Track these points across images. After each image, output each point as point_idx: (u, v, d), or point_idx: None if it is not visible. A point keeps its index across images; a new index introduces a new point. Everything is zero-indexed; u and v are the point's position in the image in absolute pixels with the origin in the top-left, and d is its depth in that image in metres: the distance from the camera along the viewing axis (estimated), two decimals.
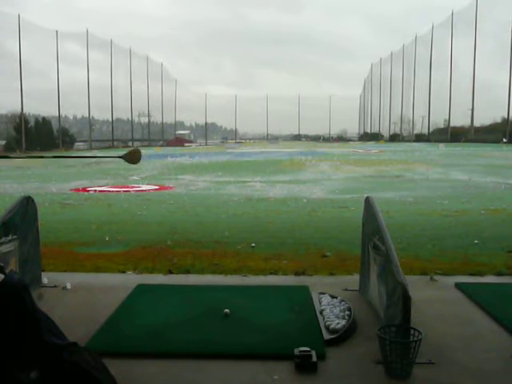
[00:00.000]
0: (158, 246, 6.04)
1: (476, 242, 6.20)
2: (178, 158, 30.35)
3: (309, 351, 2.88)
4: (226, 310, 3.63)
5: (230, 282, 4.52)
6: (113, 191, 12.86)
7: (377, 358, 2.88)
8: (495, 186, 13.19)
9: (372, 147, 46.26)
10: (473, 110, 57.47)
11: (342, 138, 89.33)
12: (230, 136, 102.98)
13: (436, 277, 4.66)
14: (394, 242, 3.34)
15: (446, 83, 60.88)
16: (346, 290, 4.22)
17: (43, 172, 19.85)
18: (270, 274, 4.81)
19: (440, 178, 15.64)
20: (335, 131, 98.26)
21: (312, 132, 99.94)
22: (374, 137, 77.35)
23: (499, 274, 4.82)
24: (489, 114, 56.32)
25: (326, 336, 3.24)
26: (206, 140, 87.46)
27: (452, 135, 59.51)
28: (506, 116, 52.34)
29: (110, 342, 3.21)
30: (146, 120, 69.63)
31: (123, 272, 4.96)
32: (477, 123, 58.80)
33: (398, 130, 77.30)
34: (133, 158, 3.73)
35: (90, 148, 48.27)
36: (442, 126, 65.75)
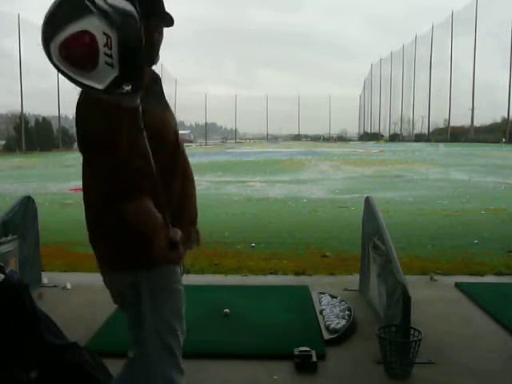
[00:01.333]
0: None
1: (476, 241, 6.20)
2: None
3: (309, 351, 2.88)
4: (226, 310, 3.63)
5: (230, 282, 4.52)
6: None
7: (377, 357, 2.88)
8: (495, 186, 13.19)
9: (372, 147, 46.24)
10: (473, 110, 57.46)
11: (341, 138, 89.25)
12: (230, 136, 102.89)
13: (436, 277, 4.66)
14: (393, 242, 3.34)
15: (446, 83, 60.87)
16: (346, 289, 4.23)
17: (43, 172, 19.87)
18: (270, 273, 4.82)
19: (440, 178, 15.64)
20: (335, 131, 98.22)
21: (312, 132, 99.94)
22: (374, 137, 77.27)
23: (499, 273, 4.82)
24: (489, 114, 56.31)
25: (326, 336, 3.24)
26: (206, 140, 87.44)
27: (452, 135, 59.46)
28: (506, 116, 52.32)
29: (110, 342, 3.21)
30: None
31: None
32: (477, 123, 58.79)
33: (398, 130, 77.26)
34: None
35: None
36: (442, 126, 65.73)
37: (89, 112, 1.51)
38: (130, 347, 1.74)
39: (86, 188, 1.64)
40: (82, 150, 1.60)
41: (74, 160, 27.83)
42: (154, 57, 1.66)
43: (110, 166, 1.48)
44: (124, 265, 1.65)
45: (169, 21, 1.67)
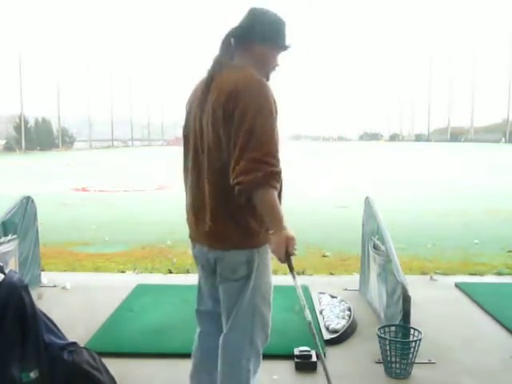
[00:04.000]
0: (158, 246, 6.04)
1: (476, 241, 6.21)
2: (178, 158, 30.34)
3: (309, 351, 2.89)
4: None
5: None
6: (113, 191, 12.86)
7: (377, 357, 2.88)
8: (495, 186, 13.19)
9: (372, 147, 46.23)
10: (473, 110, 57.45)
11: (341, 138, 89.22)
12: None
13: (436, 276, 4.66)
14: (394, 242, 3.34)
15: (446, 83, 60.87)
16: (346, 289, 4.23)
17: (43, 172, 19.85)
18: None
19: (440, 178, 15.64)
20: (335, 131, 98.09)
21: (312, 132, 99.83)
22: (374, 137, 77.26)
23: (499, 273, 4.83)
24: (489, 114, 56.24)
25: (326, 336, 3.24)
26: None
27: (452, 135, 59.45)
28: (506, 116, 52.28)
29: (110, 342, 3.21)
30: (146, 120, 69.58)
31: (123, 272, 4.96)
32: (477, 123, 58.74)
33: (398, 130, 77.28)
34: None
35: (90, 148, 48.19)
36: (442, 126, 65.68)
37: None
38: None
39: (220, 184, 1.89)
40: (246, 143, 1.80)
41: (73, 160, 27.84)
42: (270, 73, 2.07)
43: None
44: (245, 245, 1.93)
45: (287, 48, 2.05)
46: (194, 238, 2.08)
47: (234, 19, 2.02)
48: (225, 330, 2.01)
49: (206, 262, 2.06)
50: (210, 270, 2.08)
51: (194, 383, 2.17)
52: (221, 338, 2.02)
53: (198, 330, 2.21)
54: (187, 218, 2.09)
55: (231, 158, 1.80)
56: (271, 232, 1.85)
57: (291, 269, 1.92)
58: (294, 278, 1.96)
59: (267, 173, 1.78)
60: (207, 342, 2.14)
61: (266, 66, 2.01)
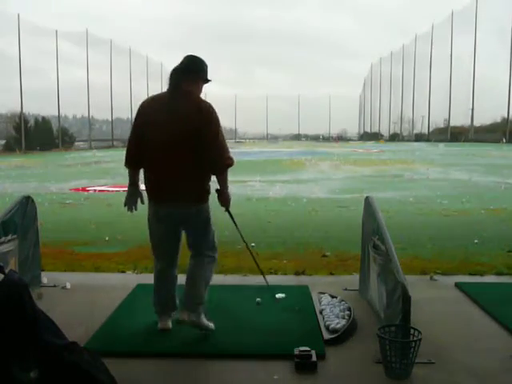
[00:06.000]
0: None
1: (476, 241, 6.21)
2: None
3: (309, 351, 2.88)
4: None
5: (230, 282, 4.53)
6: (112, 191, 12.85)
7: (377, 357, 2.88)
8: (495, 186, 13.19)
9: (372, 147, 46.20)
10: (473, 109, 57.29)
11: (341, 138, 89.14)
12: (230, 135, 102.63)
13: (436, 276, 4.66)
14: (393, 242, 3.34)
15: (446, 83, 60.82)
16: (345, 289, 4.23)
17: (43, 171, 19.85)
18: (270, 273, 4.81)
19: (440, 178, 15.63)
20: (335, 131, 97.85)
21: (312, 132, 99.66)
22: (374, 136, 77.14)
23: (499, 273, 4.83)
24: (489, 114, 56.13)
25: (326, 336, 3.24)
26: None
27: (452, 135, 59.34)
28: (506, 116, 52.20)
29: (110, 341, 3.21)
30: None
31: (123, 272, 4.96)
32: (477, 123, 58.62)
33: (397, 130, 77.19)
34: None
35: (90, 148, 48.14)
36: (442, 126, 65.62)
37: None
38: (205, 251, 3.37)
39: (194, 167, 3.12)
40: (216, 141, 3.15)
41: (73, 159, 27.83)
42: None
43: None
44: (207, 200, 3.28)
45: (208, 81, 3.31)
46: (169, 200, 3.14)
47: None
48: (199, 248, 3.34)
49: (181, 215, 3.19)
50: (178, 221, 3.22)
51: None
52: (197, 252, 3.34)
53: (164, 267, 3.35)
54: (163, 188, 3.12)
55: (212, 151, 3.09)
56: (224, 191, 3.27)
57: (230, 213, 3.45)
58: (232, 217, 3.49)
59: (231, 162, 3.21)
60: (172, 272, 3.37)
61: (200, 92, 3.27)
